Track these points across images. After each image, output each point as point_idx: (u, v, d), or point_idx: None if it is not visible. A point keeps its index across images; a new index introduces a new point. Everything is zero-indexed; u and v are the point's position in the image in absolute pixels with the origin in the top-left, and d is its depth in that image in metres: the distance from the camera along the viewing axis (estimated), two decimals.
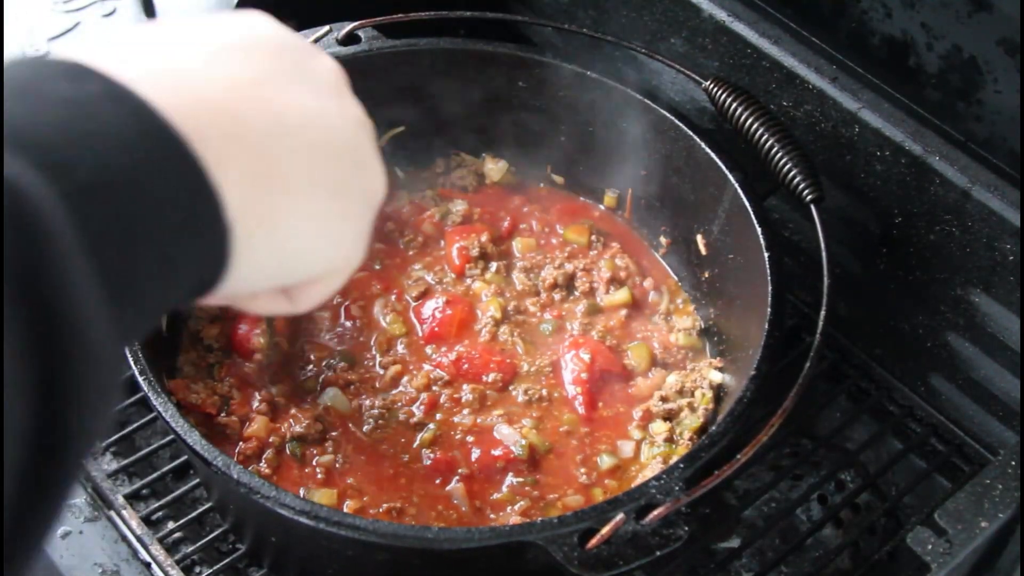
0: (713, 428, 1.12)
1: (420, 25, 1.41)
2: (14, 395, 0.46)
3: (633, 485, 1.10)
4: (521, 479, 1.23)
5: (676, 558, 1.26)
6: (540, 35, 1.72)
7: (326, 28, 1.37)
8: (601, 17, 1.59)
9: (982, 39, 1.20)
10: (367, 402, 1.28)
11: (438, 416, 1.28)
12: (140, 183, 0.54)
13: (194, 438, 1.06)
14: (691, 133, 1.34)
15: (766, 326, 1.16)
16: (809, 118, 1.38)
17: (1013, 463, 1.10)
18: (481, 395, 1.29)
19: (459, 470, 1.23)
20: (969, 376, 1.35)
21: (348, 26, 1.38)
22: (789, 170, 1.25)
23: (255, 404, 1.25)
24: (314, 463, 1.22)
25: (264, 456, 1.21)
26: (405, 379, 1.31)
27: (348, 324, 1.36)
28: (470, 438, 1.26)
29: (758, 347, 1.15)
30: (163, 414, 1.08)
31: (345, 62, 1.38)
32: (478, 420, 1.27)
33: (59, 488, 0.50)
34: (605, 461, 1.26)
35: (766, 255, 1.22)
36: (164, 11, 1.49)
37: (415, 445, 1.25)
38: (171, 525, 1.27)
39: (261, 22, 0.69)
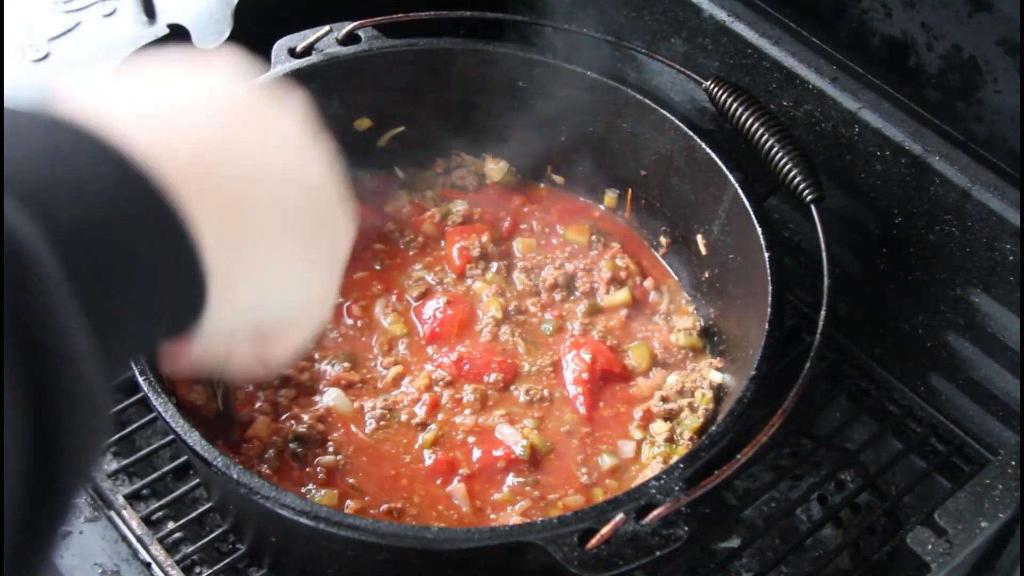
0: (713, 428, 1.12)
1: (420, 25, 1.41)
2: (11, 434, 0.47)
3: (633, 485, 1.10)
4: (522, 479, 1.23)
5: (676, 558, 1.26)
6: (540, 35, 1.72)
7: (326, 28, 1.37)
8: (601, 17, 1.59)
9: (982, 39, 1.20)
10: (368, 403, 1.28)
11: (440, 416, 1.28)
12: (121, 229, 0.57)
13: (194, 438, 1.06)
14: (691, 133, 1.34)
15: (766, 326, 1.16)
16: (809, 118, 1.38)
17: (1013, 463, 1.10)
18: (482, 395, 1.29)
19: (460, 470, 1.23)
20: (969, 376, 1.35)
21: (348, 26, 1.38)
22: (789, 170, 1.25)
23: (257, 404, 1.26)
24: (315, 463, 1.22)
25: (265, 456, 1.21)
26: (406, 380, 1.31)
27: (349, 324, 1.36)
28: (471, 438, 1.26)
29: (758, 347, 1.15)
30: (163, 414, 1.08)
31: (345, 62, 1.41)
32: (479, 420, 1.27)
33: (56, 520, 0.52)
34: (606, 461, 1.26)
35: (766, 255, 1.22)
36: (164, 11, 1.49)
37: (417, 446, 1.25)
38: (171, 525, 1.27)
39: (228, 83, 0.72)
